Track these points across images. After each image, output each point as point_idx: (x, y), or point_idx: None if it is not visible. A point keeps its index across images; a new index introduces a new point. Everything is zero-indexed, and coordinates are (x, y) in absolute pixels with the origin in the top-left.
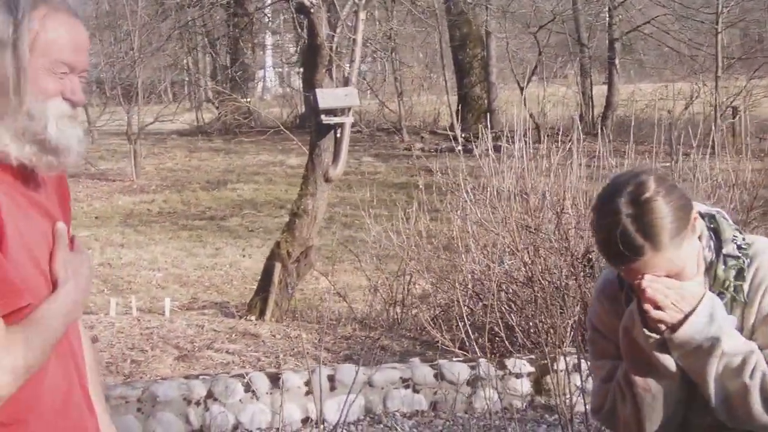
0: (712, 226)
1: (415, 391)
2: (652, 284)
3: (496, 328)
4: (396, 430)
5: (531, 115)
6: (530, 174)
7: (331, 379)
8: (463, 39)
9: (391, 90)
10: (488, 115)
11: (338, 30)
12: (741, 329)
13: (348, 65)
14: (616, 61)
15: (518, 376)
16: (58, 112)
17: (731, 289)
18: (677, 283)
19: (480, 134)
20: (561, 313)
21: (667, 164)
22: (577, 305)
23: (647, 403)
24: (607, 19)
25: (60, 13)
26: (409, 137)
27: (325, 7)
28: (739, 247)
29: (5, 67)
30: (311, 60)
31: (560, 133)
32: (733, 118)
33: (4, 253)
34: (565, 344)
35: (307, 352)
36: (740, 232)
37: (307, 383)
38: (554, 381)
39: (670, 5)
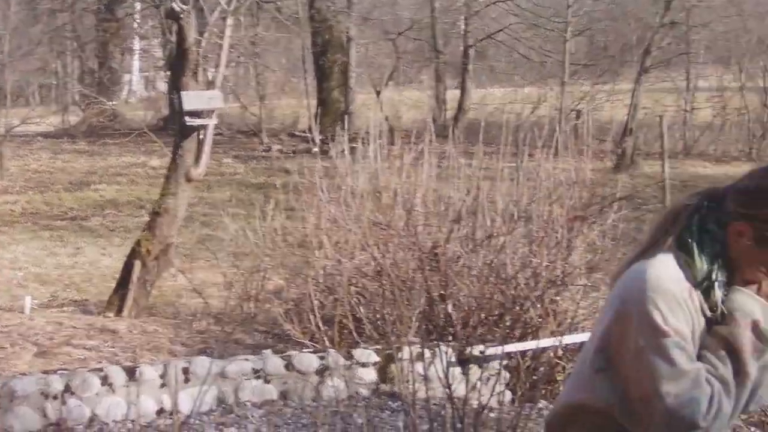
0: None
1: (266, 381)
2: None
3: (345, 321)
4: (247, 419)
5: (386, 118)
6: (383, 173)
7: (185, 371)
8: (324, 45)
9: (253, 93)
10: (345, 117)
11: (206, 35)
12: None
13: (214, 69)
14: (470, 67)
15: (365, 365)
16: None
17: None
18: None
19: (336, 136)
20: (407, 305)
21: (513, 164)
22: (422, 297)
23: (747, 393)
24: (463, 27)
25: None
26: (268, 139)
27: (194, 12)
28: None
29: None
30: (178, 63)
31: (413, 135)
32: (577, 120)
33: None
34: (409, 334)
35: (163, 347)
36: None
37: (162, 376)
38: (398, 369)
39: (522, 14)
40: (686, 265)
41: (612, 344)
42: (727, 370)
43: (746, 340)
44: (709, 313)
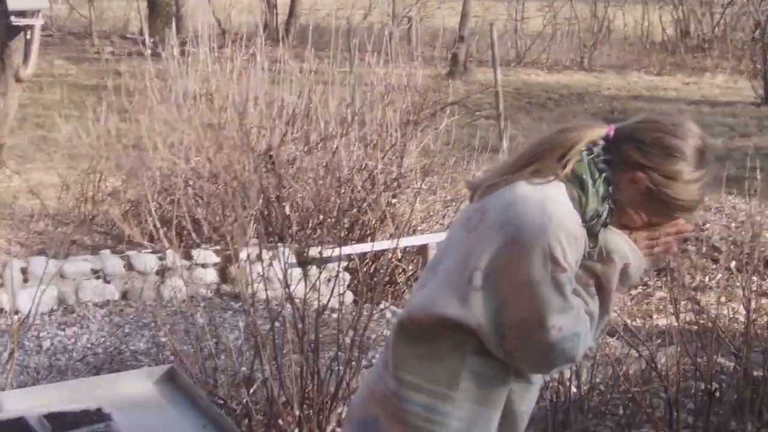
0: None
1: (107, 281)
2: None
3: (184, 222)
4: (88, 318)
5: (218, 21)
6: (215, 76)
7: (24, 271)
8: None
9: None
10: (175, 20)
11: None
12: None
13: None
14: None
15: (204, 266)
16: None
17: None
18: None
19: (167, 39)
20: (244, 206)
21: (346, 69)
22: (259, 199)
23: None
24: None
25: None
26: (99, 41)
27: None
28: None
29: None
30: None
31: (245, 38)
32: (408, 26)
33: None
34: (248, 235)
35: (1, 248)
36: None
37: (0, 276)
38: (238, 270)
39: None
40: (578, 200)
41: (498, 268)
42: (595, 305)
43: (615, 280)
44: (587, 248)
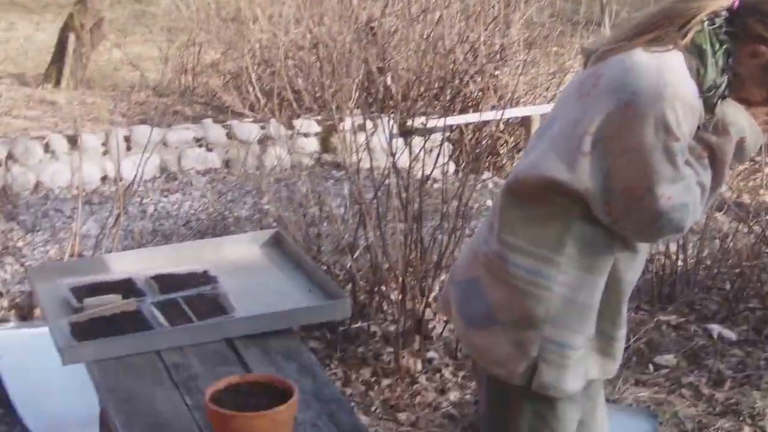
0: None
1: (209, 149)
2: None
3: (284, 92)
4: (191, 185)
5: None
6: None
7: (127, 139)
8: None
9: None
10: None
11: None
12: None
13: None
14: None
15: (306, 135)
16: None
17: None
18: None
19: None
20: (346, 77)
21: None
22: (360, 69)
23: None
24: None
25: None
26: None
27: None
28: None
29: None
30: None
31: None
32: None
33: None
34: (350, 105)
35: (103, 117)
36: None
37: (104, 144)
38: (341, 138)
39: None
40: (695, 70)
41: (610, 132)
42: (707, 178)
43: (731, 154)
44: (703, 120)
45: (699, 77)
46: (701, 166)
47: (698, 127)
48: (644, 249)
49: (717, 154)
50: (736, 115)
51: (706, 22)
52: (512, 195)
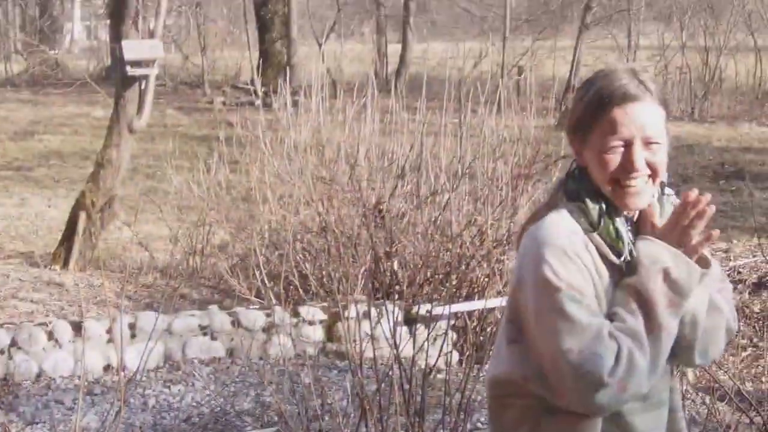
0: None
1: (213, 338)
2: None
3: (291, 277)
4: (194, 376)
5: (328, 71)
6: (326, 127)
7: (132, 327)
8: None
9: (195, 44)
10: (287, 69)
11: None
12: None
13: (154, 18)
14: (411, 20)
15: (311, 323)
16: None
17: None
18: None
19: (279, 89)
20: (353, 262)
21: (456, 120)
22: (368, 254)
23: (666, 347)
24: None
25: None
26: (211, 91)
27: None
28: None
29: None
30: (118, 12)
31: (356, 88)
32: (519, 76)
33: None
34: (356, 292)
35: (109, 301)
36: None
37: (109, 331)
38: (345, 328)
39: None
40: (580, 211)
41: (519, 312)
42: (637, 323)
43: (658, 291)
44: (617, 260)
45: (586, 216)
46: (627, 312)
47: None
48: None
49: (643, 295)
50: (647, 246)
51: (570, 169)
52: (489, 409)
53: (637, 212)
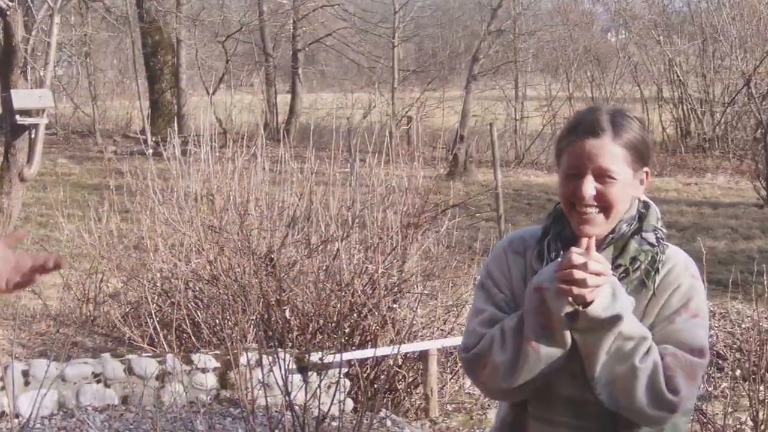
0: (642, 210)
1: (107, 385)
2: (581, 258)
3: (183, 325)
4: (87, 424)
5: (219, 121)
6: (216, 176)
7: (25, 374)
8: (155, 46)
9: (85, 94)
10: (177, 119)
11: (33, 33)
12: (640, 317)
13: (43, 68)
14: (300, 71)
15: (204, 370)
16: None
17: (641, 268)
18: (601, 259)
19: (169, 138)
20: (244, 310)
21: (346, 169)
22: (259, 303)
23: (530, 360)
24: (292, 30)
25: None
26: (102, 140)
27: (22, 10)
28: (657, 239)
29: None
30: (7, 61)
31: (245, 138)
32: (408, 126)
33: None
34: (248, 340)
35: (3, 348)
36: (663, 232)
37: (1, 378)
38: (237, 375)
39: (350, 19)
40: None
41: None
42: (510, 323)
43: (529, 302)
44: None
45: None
46: (515, 314)
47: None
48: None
49: (525, 307)
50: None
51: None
52: None
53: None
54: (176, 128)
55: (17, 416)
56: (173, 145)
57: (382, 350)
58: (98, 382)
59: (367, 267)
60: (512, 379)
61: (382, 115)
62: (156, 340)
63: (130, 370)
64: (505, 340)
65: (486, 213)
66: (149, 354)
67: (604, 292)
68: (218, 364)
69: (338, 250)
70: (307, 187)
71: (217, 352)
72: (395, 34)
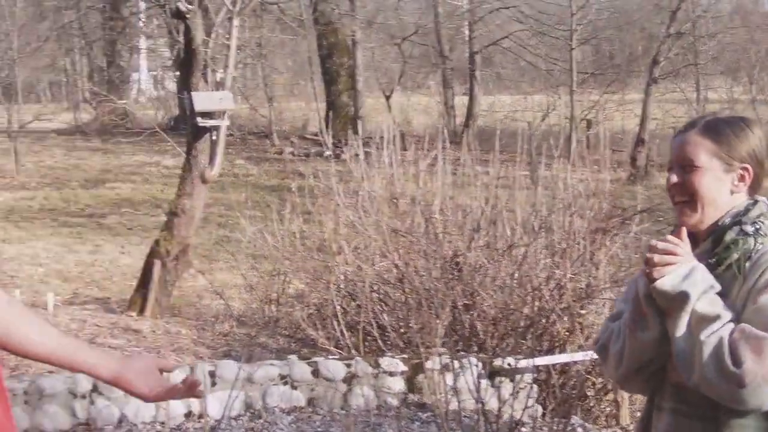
0: (750, 207)
1: (294, 387)
2: (656, 242)
3: (369, 328)
4: (275, 425)
5: (396, 123)
6: (399, 179)
7: (212, 374)
8: (330, 48)
9: (261, 95)
10: (357, 121)
11: (213, 35)
12: (731, 303)
13: (222, 70)
14: (477, 73)
15: (392, 374)
16: None
17: (732, 258)
18: (676, 241)
19: (349, 140)
20: (436, 315)
21: (526, 172)
22: (446, 306)
23: (632, 347)
24: (467, 33)
25: None
26: (279, 141)
27: (200, 13)
28: (756, 230)
29: None
30: (187, 64)
31: (426, 140)
32: (588, 130)
33: None
34: (436, 345)
35: (187, 348)
36: (764, 224)
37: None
38: (427, 380)
39: (527, 21)
40: None
41: None
42: (625, 315)
43: (628, 292)
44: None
45: None
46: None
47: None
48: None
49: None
50: None
51: None
52: None
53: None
54: (359, 130)
55: (203, 416)
56: (353, 147)
57: (575, 356)
58: (285, 383)
59: (554, 272)
60: (623, 367)
61: (561, 117)
62: (341, 342)
63: (317, 373)
64: (619, 333)
65: (671, 218)
66: (336, 356)
67: (677, 272)
68: (406, 368)
69: (525, 254)
70: (493, 191)
71: (405, 356)
72: (572, 36)
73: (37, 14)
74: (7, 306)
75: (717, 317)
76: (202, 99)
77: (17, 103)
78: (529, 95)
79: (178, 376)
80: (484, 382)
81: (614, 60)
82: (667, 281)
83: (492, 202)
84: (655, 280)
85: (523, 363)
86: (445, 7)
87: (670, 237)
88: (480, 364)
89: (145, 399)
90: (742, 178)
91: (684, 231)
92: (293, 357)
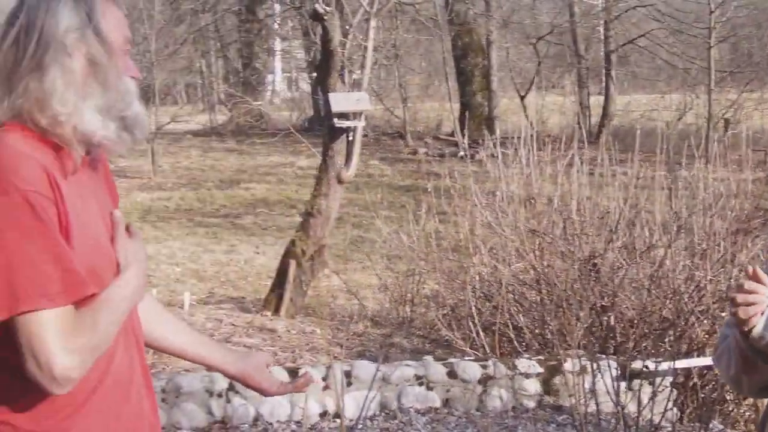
0: None
1: (429, 388)
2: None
3: (504, 328)
4: (411, 426)
5: (531, 123)
6: (536, 179)
7: (347, 374)
8: (465, 48)
9: (396, 96)
10: (492, 122)
11: (350, 36)
12: None
13: (359, 71)
14: (612, 73)
15: (528, 376)
16: (134, 89)
17: None
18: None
19: (484, 140)
20: (572, 315)
21: (663, 172)
22: (584, 307)
23: (750, 382)
24: (603, 32)
25: None
26: (413, 142)
27: (338, 14)
28: None
29: (91, 45)
30: (324, 65)
31: (562, 140)
32: (725, 129)
33: (69, 243)
34: (573, 346)
35: (322, 348)
36: None
37: (325, 378)
38: (565, 382)
39: (663, 19)
40: None
41: None
42: (732, 342)
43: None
44: None
45: None
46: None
47: None
48: None
49: None
50: None
51: None
52: None
53: None
54: (496, 130)
55: (339, 416)
56: (488, 147)
57: None
58: (420, 384)
59: (694, 274)
60: (744, 391)
61: (698, 117)
62: (476, 343)
63: (452, 374)
64: (730, 358)
65: None
66: (471, 357)
67: (763, 317)
68: (541, 370)
69: (665, 255)
70: (632, 192)
71: (541, 357)
72: (711, 34)
73: (174, 17)
74: (148, 304)
75: None
76: (339, 100)
77: (155, 105)
78: (666, 94)
79: (315, 376)
80: (623, 385)
81: (753, 58)
82: (756, 331)
83: (631, 202)
84: (747, 332)
85: (663, 366)
86: (581, 6)
87: (746, 282)
88: (617, 367)
89: (266, 394)
90: None
91: (757, 270)
92: (429, 358)
